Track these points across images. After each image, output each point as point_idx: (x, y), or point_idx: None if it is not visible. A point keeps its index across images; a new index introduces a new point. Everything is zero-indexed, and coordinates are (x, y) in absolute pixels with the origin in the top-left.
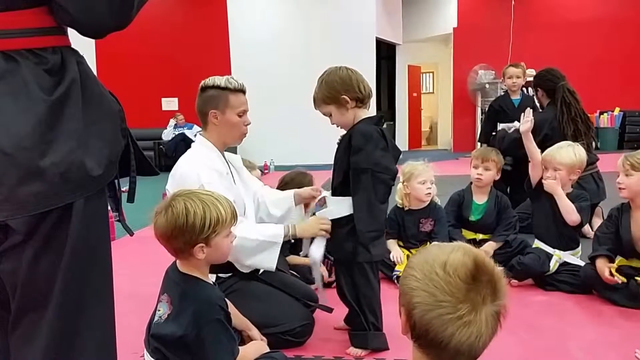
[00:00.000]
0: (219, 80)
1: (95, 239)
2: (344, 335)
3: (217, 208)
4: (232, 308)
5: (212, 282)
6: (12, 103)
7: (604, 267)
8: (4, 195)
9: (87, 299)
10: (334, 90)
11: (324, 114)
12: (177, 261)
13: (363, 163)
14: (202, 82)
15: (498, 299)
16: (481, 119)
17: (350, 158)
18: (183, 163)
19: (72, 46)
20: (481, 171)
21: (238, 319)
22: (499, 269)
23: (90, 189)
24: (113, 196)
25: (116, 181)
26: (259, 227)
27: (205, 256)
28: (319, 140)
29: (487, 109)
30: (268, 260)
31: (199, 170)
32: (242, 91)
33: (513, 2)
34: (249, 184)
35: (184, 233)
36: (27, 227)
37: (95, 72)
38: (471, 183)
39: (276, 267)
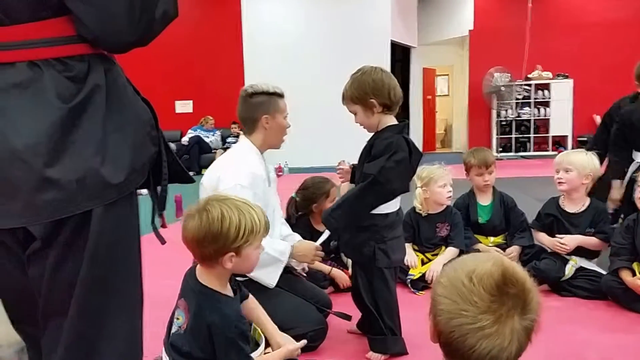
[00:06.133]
0: (265, 86)
1: (118, 246)
2: (358, 339)
3: (252, 217)
4: (256, 314)
5: (231, 294)
6: (31, 110)
7: (634, 281)
8: (22, 201)
9: (109, 307)
10: (363, 92)
11: (350, 112)
12: (198, 268)
13: (371, 170)
14: (246, 89)
15: (528, 313)
16: (497, 121)
17: (365, 164)
18: (223, 160)
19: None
20: (487, 177)
21: (262, 322)
22: (531, 282)
23: (109, 196)
24: (154, 202)
25: (156, 187)
26: (270, 241)
27: (233, 266)
28: (332, 143)
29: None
30: (271, 277)
31: (238, 170)
32: (284, 96)
33: (530, 5)
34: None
35: (217, 240)
36: (45, 233)
37: None
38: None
39: (291, 272)
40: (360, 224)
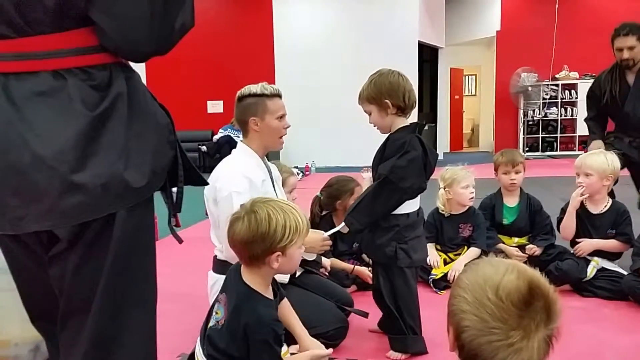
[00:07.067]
0: (255, 88)
1: (138, 247)
2: (379, 338)
3: (296, 217)
4: (288, 316)
5: (271, 295)
6: (57, 118)
7: None
8: (48, 205)
9: (129, 305)
10: (379, 93)
11: (365, 111)
12: (243, 267)
13: (383, 170)
14: (238, 92)
15: (552, 323)
16: (524, 121)
17: (379, 165)
18: (219, 169)
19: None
20: (514, 176)
21: (292, 324)
22: (554, 291)
23: (132, 199)
24: (169, 204)
25: (171, 190)
26: None
27: (279, 265)
28: (359, 143)
29: None
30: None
31: (232, 178)
32: (278, 95)
33: (557, 6)
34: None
35: (265, 240)
36: (70, 235)
37: (144, 77)
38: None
39: (312, 270)
40: (381, 224)
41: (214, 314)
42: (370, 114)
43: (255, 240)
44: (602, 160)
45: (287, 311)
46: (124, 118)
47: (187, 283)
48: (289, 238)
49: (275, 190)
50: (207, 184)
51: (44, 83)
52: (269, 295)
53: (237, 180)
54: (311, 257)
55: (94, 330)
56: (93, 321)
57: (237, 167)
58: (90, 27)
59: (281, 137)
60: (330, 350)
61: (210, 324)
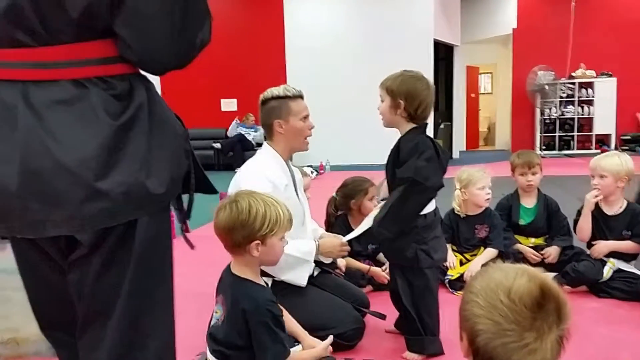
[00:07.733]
0: (277, 90)
1: (158, 252)
2: (395, 338)
3: (277, 209)
4: (286, 315)
5: (263, 284)
6: (81, 127)
7: None
8: (70, 211)
9: (150, 309)
10: (399, 91)
11: (379, 95)
12: (232, 262)
13: (405, 173)
14: (261, 95)
15: (563, 324)
16: (540, 119)
17: (396, 170)
18: (245, 170)
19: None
20: (530, 177)
21: (290, 326)
22: (564, 293)
23: (152, 207)
24: (179, 209)
25: (182, 196)
26: (295, 242)
27: (260, 255)
28: (374, 141)
29: None
30: (300, 277)
31: (257, 180)
32: (301, 97)
33: (573, 3)
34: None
35: (245, 227)
36: (92, 240)
37: (159, 78)
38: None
39: (328, 270)
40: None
41: (214, 314)
42: (382, 102)
43: (235, 227)
44: (616, 162)
45: (285, 316)
46: (146, 128)
47: (206, 282)
48: (268, 227)
49: (297, 194)
50: (216, 192)
51: (65, 91)
52: (262, 282)
53: (262, 183)
54: (328, 260)
55: (116, 334)
56: (115, 325)
57: (262, 169)
58: (111, 39)
59: (306, 138)
60: (331, 337)
61: (212, 323)
